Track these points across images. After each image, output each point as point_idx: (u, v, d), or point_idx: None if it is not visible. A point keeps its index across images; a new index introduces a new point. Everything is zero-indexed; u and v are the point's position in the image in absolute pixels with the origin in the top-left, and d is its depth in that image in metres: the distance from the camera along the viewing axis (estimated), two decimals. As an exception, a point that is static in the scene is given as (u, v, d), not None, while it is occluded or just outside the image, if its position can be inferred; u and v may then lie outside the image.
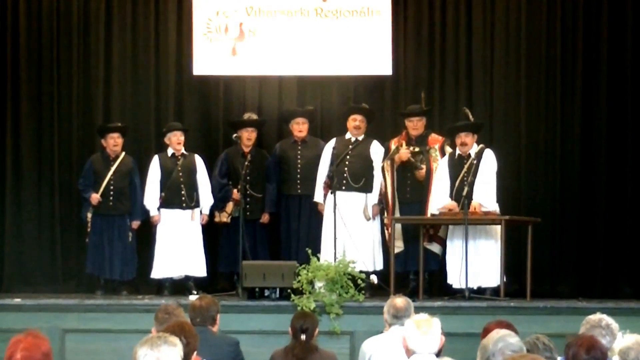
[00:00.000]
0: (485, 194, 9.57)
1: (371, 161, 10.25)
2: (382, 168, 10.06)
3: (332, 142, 10.39)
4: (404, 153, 9.97)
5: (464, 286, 9.30)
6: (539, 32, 11.06)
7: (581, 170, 10.92)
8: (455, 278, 9.56)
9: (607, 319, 5.24)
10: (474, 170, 9.60)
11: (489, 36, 11.14)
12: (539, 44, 11.05)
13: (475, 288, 9.49)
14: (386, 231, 10.09)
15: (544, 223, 10.12)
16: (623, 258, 10.75)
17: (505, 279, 9.42)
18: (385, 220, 10.07)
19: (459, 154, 9.81)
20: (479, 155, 9.72)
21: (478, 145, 9.80)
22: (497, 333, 4.22)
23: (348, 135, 10.36)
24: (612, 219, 10.83)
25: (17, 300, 9.40)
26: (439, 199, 9.70)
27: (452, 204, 9.57)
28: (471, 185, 9.47)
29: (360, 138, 10.33)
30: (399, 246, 9.94)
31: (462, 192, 9.41)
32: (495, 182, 9.72)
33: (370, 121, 10.44)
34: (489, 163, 9.72)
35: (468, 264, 9.25)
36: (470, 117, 10.03)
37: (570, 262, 10.83)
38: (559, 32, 11.01)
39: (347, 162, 10.20)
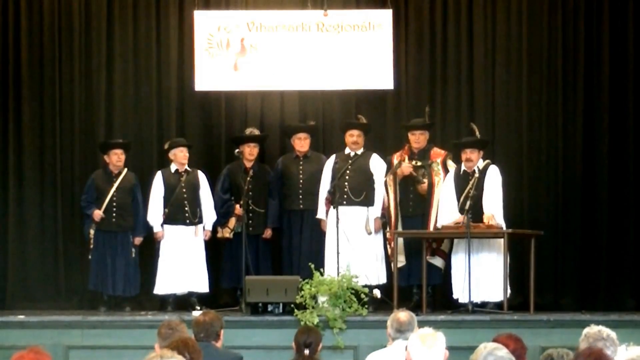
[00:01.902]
0: (496, 209, 9.57)
1: (371, 175, 10.26)
2: (385, 182, 10.07)
3: (332, 158, 10.39)
4: (406, 167, 9.97)
5: (467, 300, 9.30)
6: (540, 48, 11.07)
7: (583, 182, 10.92)
8: (459, 292, 9.55)
9: (606, 330, 5.19)
10: (477, 185, 9.58)
11: (490, 49, 11.15)
12: (540, 60, 11.06)
13: (479, 302, 9.48)
14: (388, 246, 10.08)
15: (546, 236, 10.12)
16: (626, 270, 10.75)
17: (508, 292, 9.42)
18: (388, 235, 10.07)
19: (464, 170, 9.80)
20: (484, 171, 9.71)
21: (484, 160, 9.81)
22: (485, 347, 4.21)
23: (347, 150, 10.37)
24: (615, 231, 10.83)
25: (20, 317, 9.40)
26: (448, 214, 9.68)
27: (462, 218, 9.55)
28: (474, 199, 9.45)
29: (359, 152, 10.34)
30: (401, 260, 9.93)
31: (465, 206, 9.40)
32: (502, 198, 9.72)
33: (367, 134, 10.44)
34: (495, 179, 9.71)
35: (471, 278, 9.25)
36: (477, 133, 10.01)
37: (573, 275, 10.83)
38: (561, 46, 11.03)
39: (347, 177, 10.19)
